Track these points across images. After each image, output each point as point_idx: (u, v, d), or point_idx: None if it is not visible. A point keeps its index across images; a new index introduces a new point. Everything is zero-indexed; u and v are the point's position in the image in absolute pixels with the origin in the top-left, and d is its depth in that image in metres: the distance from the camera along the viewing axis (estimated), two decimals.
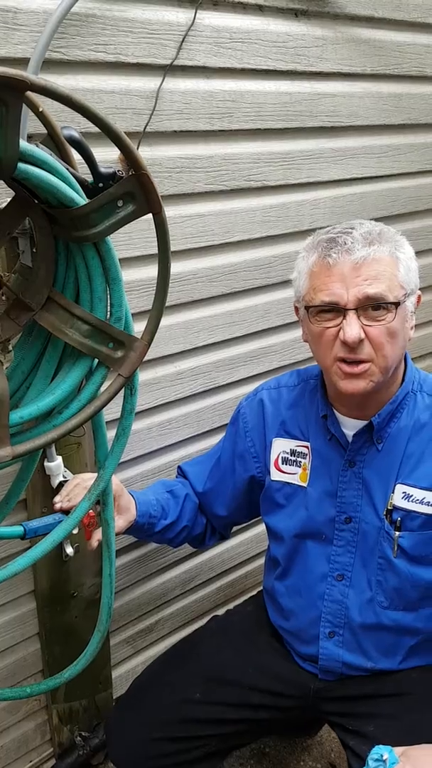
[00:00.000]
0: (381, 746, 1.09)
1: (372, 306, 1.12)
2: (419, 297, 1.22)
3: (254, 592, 2.04)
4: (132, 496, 1.36)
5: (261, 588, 1.61)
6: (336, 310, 1.14)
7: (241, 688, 1.39)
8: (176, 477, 1.55)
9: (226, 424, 1.71)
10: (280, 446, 1.36)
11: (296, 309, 1.29)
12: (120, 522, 1.30)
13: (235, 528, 1.86)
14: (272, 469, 1.37)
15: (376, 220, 1.79)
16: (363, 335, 1.12)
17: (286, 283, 1.68)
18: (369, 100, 1.63)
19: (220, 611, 1.98)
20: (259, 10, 1.34)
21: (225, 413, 1.70)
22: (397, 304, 1.13)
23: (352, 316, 1.12)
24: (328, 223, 1.68)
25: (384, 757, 1.07)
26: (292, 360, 1.80)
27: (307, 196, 1.62)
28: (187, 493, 1.47)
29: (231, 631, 1.51)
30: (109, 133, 0.77)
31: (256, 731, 1.53)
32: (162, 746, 1.34)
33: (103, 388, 0.98)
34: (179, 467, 1.54)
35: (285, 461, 1.35)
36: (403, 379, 1.26)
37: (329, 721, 1.43)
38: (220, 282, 1.53)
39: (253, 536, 1.96)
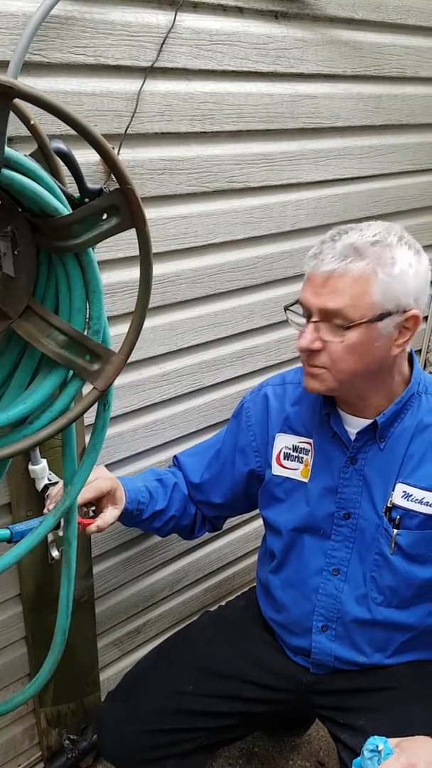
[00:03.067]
0: (376, 737, 1.10)
1: (332, 320, 1.14)
2: (415, 316, 1.14)
3: (242, 592, 2.05)
4: (121, 483, 1.36)
5: (253, 584, 1.62)
6: (307, 316, 1.18)
7: (233, 680, 1.41)
8: (170, 466, 1.55)
9: (213, 425, 1.73)
10: (283, 442, 1.37)
11: None
12: (114, 512, 1.31)
13: (223, 528, 1.87)
14: (273, 463, 1.37)
15: (359, 220, 1.82)
16: (318, 346, 1.16)
17: (270, 283, 1.69)
18: (350, 102, 1.64)
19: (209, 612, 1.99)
20: (239, 12, 1.35)
21: (211, 414, 1.71)
22: (361, 323, 1.12)
23: (310, 325, 1.16)
24: (311, 224, 1.70)
25: (379, 748, 1.08)
26: (277, 360, 1.80)
27: (289, 197, 1.62)
28: (176, 482, 1.47)
29: (224, 625, 1.52)
30: (97, 147, 0.77)
31: (248, 725, 1.54)
32: (153, 738, 1.35)
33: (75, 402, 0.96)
34: (175, 457, 1.54)
35: (287, 457, 1.36)
36: (408, 381, 1.27)
37: (320, 715, 1.44)
38: (204, 283, 1.53)
39: (240, 536, 1.97)
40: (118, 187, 0.79)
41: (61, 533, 1.14)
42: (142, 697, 1.39)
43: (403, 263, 1.12)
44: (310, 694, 1.41)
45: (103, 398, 0.97)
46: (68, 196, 0.83)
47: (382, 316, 1.12)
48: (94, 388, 0.92)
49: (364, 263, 1.11)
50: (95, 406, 0.96)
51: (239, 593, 1.69)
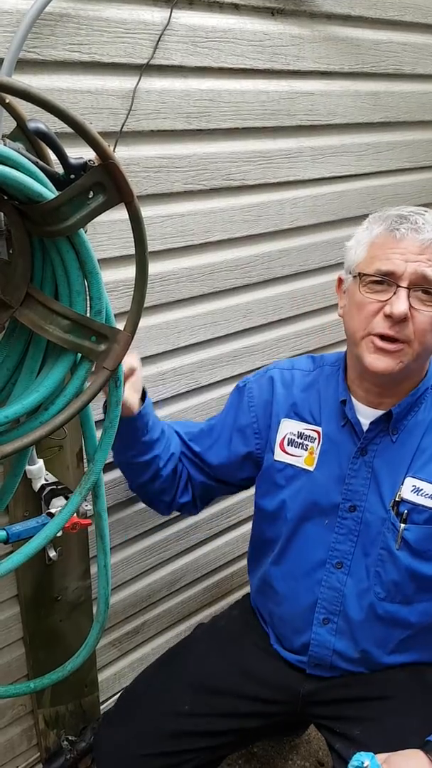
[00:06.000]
0: (362, 753, 1.08)
1: (424, 289, 1.12)
2: None
3: (241, 591, 2.05)
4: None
5: (246, 592, 1.61)
6: (388, 283, 1.14)
7: (229, 696, 1.39)
8: None
9: None
10: (288, 427, 1.35)
11: (339, 282, 1.29)
12: (131, 393, 1.24)
13: (221, 527, 1.87)
14: (276, 449, 1.35)
15: (356, 218, 1.82)
16: (409, 314, 1.12)
17: (267, 282, 1.69)
18: (347, 99, 1.63)
19: (207, 611, 1.99)
20: (236, 9, 1.34)
21: (208, 413, 1.70)
22: None
23: (402, 292, 1.12)
24: (308, 222, 1.69)
25: (365, 764, 1.06)
26: (274, 359, 1.79)
27: (286, 195, 1.61)
28: (177, 431, 1.44)
29: (218, 638, 1.50)
30: (71, 123, 0.76)
31: (246, 740, 1.53)
32: (152, 762, 1.33)
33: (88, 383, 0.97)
34: (174, 428, 1.47)
35: (291, 443, 1.34)
36: (425, 375, 1.26)
37: (317, 723, 1.43)
38: (201, 282, 1.53)
39: (239, 535, 1.96)
40: (101, 163, 0.78)
41: (60, 534, 1.13)
42: (140, 720, 1.37)
43: None
44: (307, 705, 1.39)
45: (113, 376, 0.97)
46: (53, 176, 0.82)
47: None
48: (103, 368, 0.92)
49: None
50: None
51: (233, 597, 1.69)
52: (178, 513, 1.62)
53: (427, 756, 1.10)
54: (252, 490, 1.50)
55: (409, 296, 1.12)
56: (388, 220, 1.17)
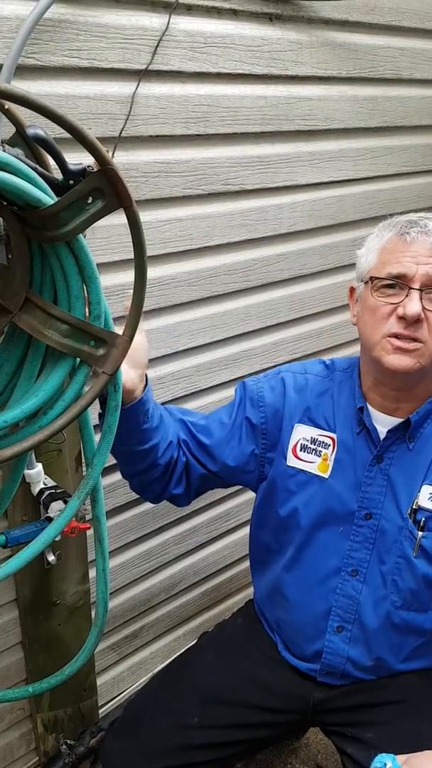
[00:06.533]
0: (384, 755, 1.07)
1: None
2: None
3: (241, 595, 2.05)
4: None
5: (248, 598, 1.60)
6: (400, 286, 1.15)
7: (237, 707, 1.37)
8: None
9: None
10: (302, 433, 1.33)
11: (351, 291, 1.29)
12: (130, 372, 1.15)
13: (219, 530, 1.87)
14: (289, 454, 1.34)
15: (355, 222, 1.82)
16: (423, 315, 1.13)
17: (266, 286, 1.69)
18: (345, 104, 1.64)
19: (206, 615, 1.99)
20: (234, 14, 1.34)
21: None
22: None
23: (415, 294, 1.13)
24: (307, 226, 1.70)
25: (387, 766, 1.06)
26: (273, 363, 1.80)
27: (285, 200, 1.62)
28: (182, 419, 1.37)
29: (224, 647, 1.48)
30: (69, 129, 0.77)
31: (255, 749, 1.52)
32: None
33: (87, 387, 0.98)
34: (181, 417, 1.39)
35: (303, 448, 1.33)
36: None
37: (325, 729, 1.42)
38: (200, 286, 1.53)
39: (238, 539, 1.96)
40: (100, 168, 0.79)
41: (58, 538, 1.13)
42: (147, 732, 1.35)
43: None
44: (317, 713, 1.38)
45: (112, 380, 0.97)
46: (52, 181, 0.82)
47: None
48: (102, 372, 0.93)
49: None
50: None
51: (232, 601, 1.68)
52: (168, 503, 1.49)
53: None
54: (250, 494, 1.49)
55: (421, 298, 1.13)
56: (398, 226, 1.19)
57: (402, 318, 1.14)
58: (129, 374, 1.14)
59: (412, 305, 1.12)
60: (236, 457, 1.37)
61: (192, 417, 1.40)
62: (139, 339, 1.15)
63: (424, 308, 1.13)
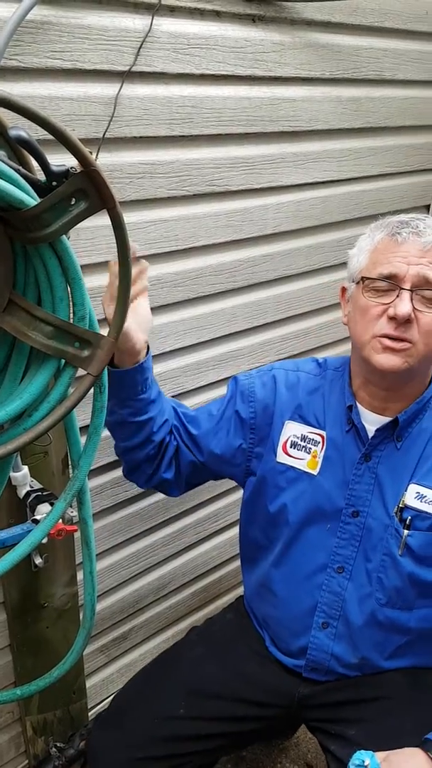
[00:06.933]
0: (362, 751, 1.09)
1: (427, 291, 1.14)
2: None
3: (230, 595, 2.05)
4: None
5: (238, 595, 1.60)
6: (391, 286, 1.15)
7: (224, 700, 1.38)
8: None
9: None
10: (292, 430, 1.34)
11: (343, 291, 1.30)
12: (141, 335, 1.18)
13: (208, 531, 1.87)
14: (279, 450, 1.35)
15: (339, 223, 1.83)
16: (413, 316, 1.13)
17: (252, 286, 1.69)
18: (328, 105, 1.64)
19: (196, 616, 1.99)
20: (217, 16, 1.35)
21: None
22: None
23: (405, 294, 1.14)
24: (291, 227, 1.71)
25: (366, 763, 1.07)
26: (260, 363, 1.80)
27: (269, 201, 1.62)
28: (173, 406, 1.40)
29: (212, 642, 1.50)
30: (49, 128, 0.77)
31: (241, 743, 1.52)
32: (146, 766, 1.32)
33: (72, 389, 0.98)
34: (173, 406, 1.42)
35: (294, 445, 1.34)
36: (430, 382, 1.27)
37: (310, 726, 1.43)
38: (186, 287, 1.53)
39: (227, 539, 1.97)
40: (83, 170, 0.79)
41: (45, 541, 1.13)
42: (134, 723, 1.36)
43: None
44: (302, 709, 1.39)
45: (98, 381, 0.97)
46: (35, 183, 0.82)
47: None
48: (88, 373, 0.93)
49: None
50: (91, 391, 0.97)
51: (222, 601, 1.68)
52: (156, 491, 1.54)
53: (426, 754, 1.11)
54: (238, 494, 1.49)
55: (411, 298, 1.14)
56: (390, 226, 1.20)
57: (392, 318, 1.14)
58: (137, 335, 1.17)
59: (403, 306, 1.13)
60: (223, 447, 1.39)
61: (183, 408, 1.43)
62: (143, 304, 1.20)
63: (414, 309, 1.14)
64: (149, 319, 1.23)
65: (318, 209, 1.75)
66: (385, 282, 1.16)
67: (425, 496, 1.24)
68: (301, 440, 1.33)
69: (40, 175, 0.84)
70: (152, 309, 1.47)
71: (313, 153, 1.67)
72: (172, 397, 1.62)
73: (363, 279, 1.19)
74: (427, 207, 2.13)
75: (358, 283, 1.21)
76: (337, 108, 1.67)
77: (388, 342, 1.15)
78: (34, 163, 0.86)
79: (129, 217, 1.33)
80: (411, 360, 1.16)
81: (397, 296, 1.14)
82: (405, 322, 1.13)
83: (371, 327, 1.18)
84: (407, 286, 1.14)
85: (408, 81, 1.83)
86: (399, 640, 1.31)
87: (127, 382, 1.23)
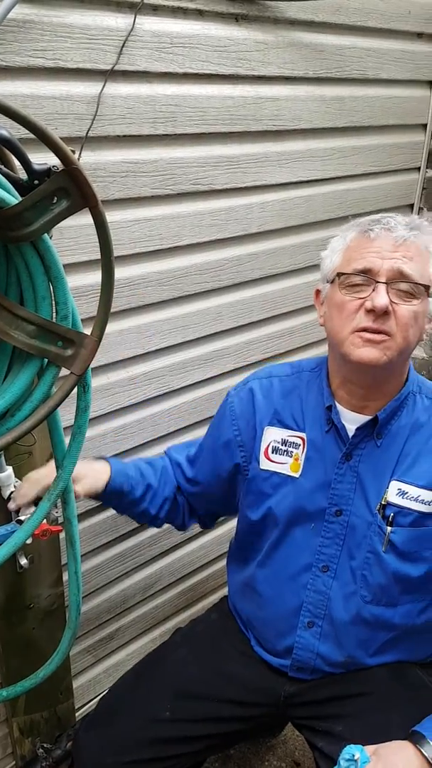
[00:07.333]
0: (352, 746, 1.09)
1: (402, 284, 1.15)
2: None
3: (216, 595, 2.05)
4: (106, 459, 1.38)
5: (224, 595, 1.60)
6: (367, 280, 1.16)
7: (210, 701, 1.38)
8: (161, 457, 1.54)
9: (183, 428, 1.73)
10: (272, 435, 1.35)
11: (317, 293, 1.31)
12: (87, 483, 1.32)
13: (194, 530, 1.87)
14: (261, 457, 1.36)
15: (324, 222, 1.84)
16: (390, 308, 1.15)
17: (237, 285, 1.70)
18: (312, 104, 1.65)
19: (182, 615, 1.99)
20: (200, 15, 1.35)
21: (181, 417, 1.70)
22: (427, 288, 1.17)
23: (381, 287, 1.15)
24: (276, 226, 1.71)
25: (356, 757, 1.07)
26: (246, 362, 1.81)
27: (254, 200, 1.63)
28: (165, 466, 1.47)
29: (197, 642, 1.49)
30: (29, 127, 0.76)
31: (227, 743, 1.52)
32: None
33: (55, 388, 0.97)
34: (167, 452, 1.54)
35: (275, 450, 1.34)
36: (407, 379, 1.28)
37: (297, 724, 1.44)
38: (171, 285, 1.53)
39: (213, 539, 1.97)
40: (64, 168, 0.79)
41: (29, 541, 1.13)
42: (120, 726, 1.36)
43: None
44: (288, 707, 1.40)
45: (81, 381, 0.97)
46: (16, 181, 0.82)
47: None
48: (71, 373, 0.93)
49: (426, 238, 1.19)
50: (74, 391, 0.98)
51: (208, 600, 1.68)
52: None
53: (414, 746, 1.11)
54: None
55: (388, 291, 1.15)
56: (362, 225, 1.21)
57: (370, 311, 1.15)
58: (90, 484, 1.32)
59: (380, 298, 1.14)
60: (214, 474, 1.45)
61: (184, 468, 1.50)
62: (81, 468, 1.30)
63: (391, 301, 1.15)
64: (93, 474, 1.34)
65: (302, 208, 1.75)
66: (361, 277, 1.17)
67: (407, 493, 1.25)
68: (282, 444, 1.34)
69: (22, 174, 0.84)
70: (138, 308, 1.49)
71: (298, 152, 1.68)
72: (158, 397, 1.62)
73: (338, 275, 1.20)
74: (411, 206, 2.15)
75: (333, 281, 1.22)
76: (321, 107, 1.68)
77: (367, 335, 1.16)
78: (16, 162, 0.85)
79: (113, 216, 1.33)
80: (390, 353, 1.17)
81: (374, 290, 1.16)
82: (383, 314, 1.14)
83: (349, 322, 1.18)
84: (383, 279, 1.15)
85: (391, 80, 1.84)
86: (384, 637, 1.32)
87: (106, 502, 1.42)
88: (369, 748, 1.10)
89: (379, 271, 1.15)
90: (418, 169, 2.10)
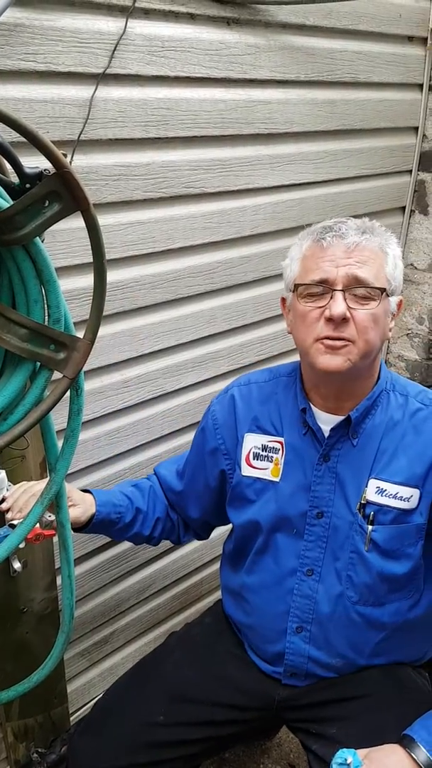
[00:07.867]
0: (345, 750, 1.09)
1: (359, 289, 1.17)
2: (401, 302, 1.26)
3: (210, 598, 2.05)
4: (90, 491, 1.39)
5: (218, 599, 1.60)
6: (324, 290, 1.18)
7: (204, 705, 1.38)
8: (149, 476, 1.55)
9: (176, 431, 1.73)
10: (252, 441, 1.36)
11: (283, 301, 1.32)
12: (76, 511, 1.32)
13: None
14: (243, 464, 1.37)
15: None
16: (348, 315, 1.16)
17: (230, 288, 1.70)
18: (304, 107, 1.65)
19: (177, 619, 1.99)
20: (191, 18, 1.35)
21: (174, 420, 1.70)
22: (383, 291, 1.18)
23: (338, 295, 1.17)
24: (269, 228, 1.71)
25: (348, 761, 1.07)
26: (240, 364, 1.81)
27: (246, 203, 1.63)
28: (152, 486, 1.48)
29: (191, 646, 1.49)
30: (20, 130, 0.76)
31: (222, 746, 1.52)
32: None
33: (48, 391, 0.97)
34: (155, 469, 1.55)
35: (256, 456, 1.36)
36: (377, 377, 1.29)
37: (291, 726, 1.44)
38: (164, 288, 1.53)
39: (206, 542, 1.96)
40: (56, 172, 0.79)
41: (22, 545, 1.12)
42: (114, 730, 1.36)
43: (396, 249, 1.24)
44: (283, 710, 1.40)
45: (74, 384, 0.97)
46: (7, 185, 0.82)
47: (392, 292, 1.22)
48: (64, 376, 0.92)
49: (378, 239, 1.21)
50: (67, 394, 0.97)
51: (202, 603, 1.68)
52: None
53: (404, 750, 1.12)
54: None
55: (345, 298, 1.17)
56: (315, 233, 1.22)
57: (330, 320, 1.17)
58: (75, 512, 1.32)
59: (337, 306, 1.16)
60: (208, 480, 1.45)
61: (174, 483, 1.50)
62: (74, 495, 1.35)
63: (348, 307, 1.17)
64: (86, 503, 1.36)
65: (295, 211, 1.76)
66: (318, 286, 1.19)
67: (385, 490, 1.26)
68: (263, 450, 1.36)
69: (14, 178, 0.84)
70: (131, 311, 1.49)
71: (290, 155, 1.68)
72: (151, 399, 1.62)
73: (296, 286, 1.23)
74: (403, 209, 2.16)
75: (293, 291, 1.24)
76: (313, 110, 1.68)
77: (329, 342, 1.18)
78: (8, 166, 0.85)
79: (105, 220, 1.33)
80: (353, 357, 1.18)
81: (331, 298, 1.17)
82: (342, 321, 1.16)
83: (312, 331, 1.20)
84: (339, 287, 1.17)
85: (383, 83, 1.85)
86: (375, 637, 1.32)
87: (96, 531, 1.41)
88: (361, 752, 1.10)
89: (335, 279, 1.17)
90: (410, 171, 2.11)
